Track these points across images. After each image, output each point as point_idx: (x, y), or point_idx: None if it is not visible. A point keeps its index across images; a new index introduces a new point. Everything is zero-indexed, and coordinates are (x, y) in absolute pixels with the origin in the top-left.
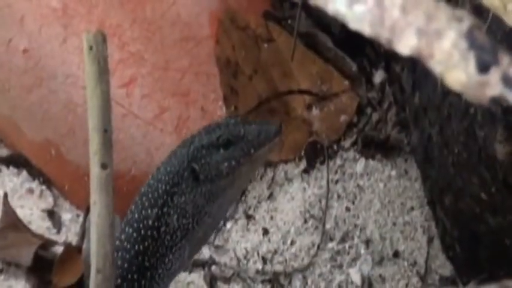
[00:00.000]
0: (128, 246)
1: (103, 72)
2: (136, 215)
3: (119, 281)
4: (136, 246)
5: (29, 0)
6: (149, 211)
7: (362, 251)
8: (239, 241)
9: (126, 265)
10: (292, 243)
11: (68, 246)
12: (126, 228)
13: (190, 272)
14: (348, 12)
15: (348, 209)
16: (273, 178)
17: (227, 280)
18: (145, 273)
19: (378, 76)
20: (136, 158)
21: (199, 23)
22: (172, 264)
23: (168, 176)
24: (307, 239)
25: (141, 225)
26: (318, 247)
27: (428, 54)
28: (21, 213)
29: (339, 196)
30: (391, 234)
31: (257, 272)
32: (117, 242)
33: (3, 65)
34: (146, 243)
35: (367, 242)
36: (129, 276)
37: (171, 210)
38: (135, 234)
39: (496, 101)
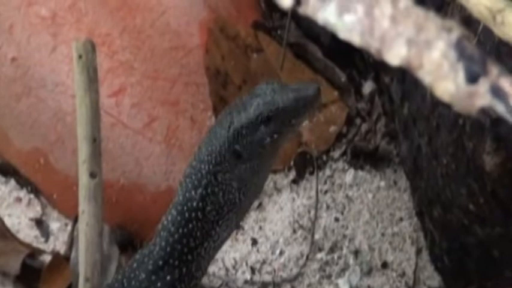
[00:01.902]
0: (172, 229)
1: (92, 81)
2: (181, 198)
3: (161, 263)
4: (181, 230)
5: (17, 8)
6: (193, 193)
7: (351, 262)
8: (228, 251)
9: (168, 249)
10: (281, 253)
11: (56, 255)
12: (172, 210)
13: None
14: (338, 22)
15: (336, 220)
16: None
17: None
18: (189, 256)
19: (367, 87)
20: (125, 168)
21: (189, 33)
22: (219, 236)
23: (210, 156)
24: (296, 249)
25: (185, 208)
26: (307, 257)
27: (417, 65)
28: (9, 221)
29: (328, 206)
30: (380, 245)
31: (246, 282)
32: (164, 222)
33: None
34: (191, 225)
35: (356, 253)
36: (171, 261)
37: (216, 188)
38: (179, 218)
39: (485, 111)
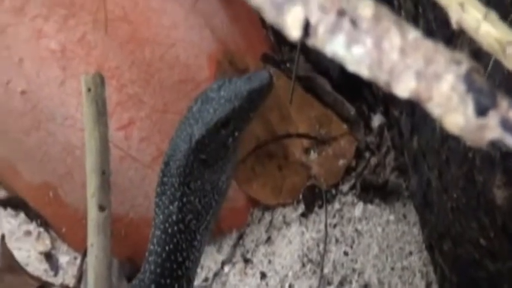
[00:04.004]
0: (159, 249)
1: (101, 114)
2: (161, 216)
3: (153, 286)
4: (167, 247)
5: (27, 42)
6: (171, 207)
7: None
8: (237, 285)
9: (159, 270)
10: (290, 287)
11: None
12: (156, 232)
13: None
14: (346, 54)
15: (346, 253)
16: (271, 222)
17: None
18: (179, 271)
19: (376, 120)
20: (134, 201)
21: (198, 65)
22: (202, 244)
23: (178, 170)
24: (305, 283)
25: (167, 225)
26: None
27: (427, 97)
28: (18, 255)
29: (337, 240)
30: (390, 279)
31: None
32: (151, 247)
33: (1, 106)
34: (175, 240)
35: (366, 287)
36: (162, 281)
37: (191, 197)
38: (163, 236)
39: (495, 144)
